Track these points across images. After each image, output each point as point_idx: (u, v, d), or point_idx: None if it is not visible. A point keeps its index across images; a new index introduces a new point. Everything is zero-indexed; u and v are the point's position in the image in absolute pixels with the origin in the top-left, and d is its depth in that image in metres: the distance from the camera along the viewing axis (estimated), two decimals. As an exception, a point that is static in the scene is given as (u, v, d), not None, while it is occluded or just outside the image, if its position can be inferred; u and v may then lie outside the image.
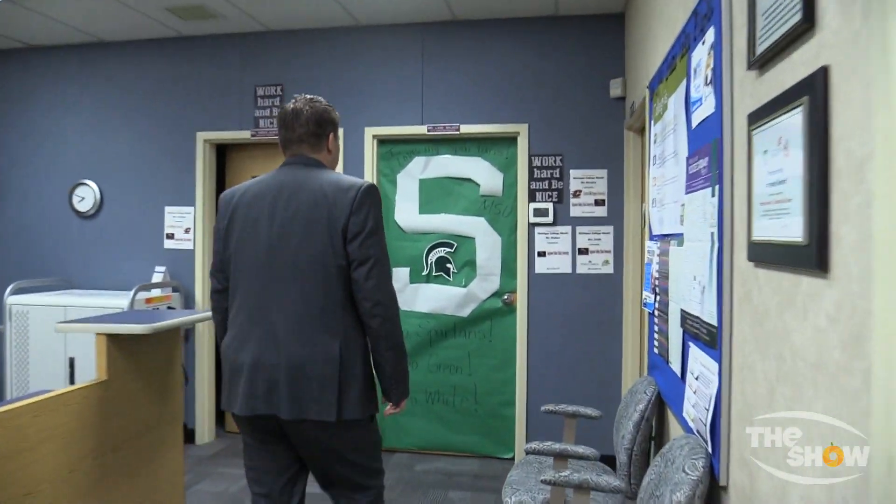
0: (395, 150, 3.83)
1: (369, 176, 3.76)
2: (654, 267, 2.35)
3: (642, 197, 3.44)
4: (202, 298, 3.93)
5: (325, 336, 1.61)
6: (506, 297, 3.67)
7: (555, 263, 3.60)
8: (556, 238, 3.60)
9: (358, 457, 1.75)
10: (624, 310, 3.51)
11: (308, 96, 1.80)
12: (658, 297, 2.28)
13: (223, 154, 4.20)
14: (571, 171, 3.59)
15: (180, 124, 4.00)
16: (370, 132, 3.77)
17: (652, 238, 2.45)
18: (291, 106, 1.78)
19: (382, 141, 3.83)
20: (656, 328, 2.31)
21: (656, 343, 2.30)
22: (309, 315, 1.62)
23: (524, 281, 3.61)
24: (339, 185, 1.67)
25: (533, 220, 3.59)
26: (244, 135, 3.93)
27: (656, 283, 2.31)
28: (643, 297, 2.61)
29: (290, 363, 1.60)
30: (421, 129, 3.71)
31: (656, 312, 2.30)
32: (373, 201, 1.68)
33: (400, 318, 1.71)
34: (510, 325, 3.69)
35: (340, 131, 3.50)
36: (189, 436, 3.93)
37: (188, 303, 3.96)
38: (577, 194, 3.59)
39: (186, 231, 3.99)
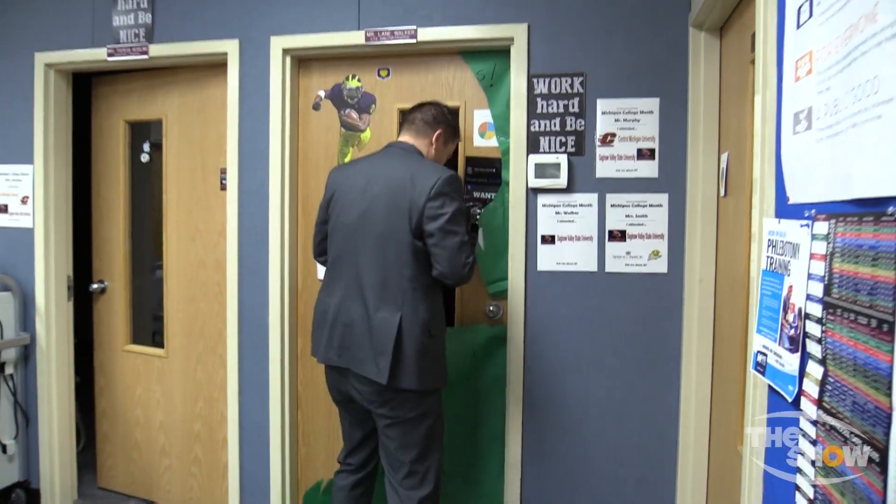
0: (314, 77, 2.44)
1: (277, 119, 2.38)
2: (796, 281, 0.95)
3: (719, 143, 2.00)
4: (47, 301, 2.64)
5: (391, 305, 1.73)
6: (490, 306, 2.28)
7: (570, 255, 2.19)
8: (572, 213, 2.18)
9: (401, 434, 1.78)
10: (685, 336, 2.10)
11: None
12: (809, 362, 0.88)
13: (87, 88, 2.86)
14: (599, 103, 2.16)
15: (9, 40, 2.67)
16: (279, 44, 2.38)
17: (787, 211, 1.04)
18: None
19: (302, 60, 2.44)
20: (802, 433, 0.91)
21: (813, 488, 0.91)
22: (379, 284, 1.75)
23: (519, 283, 2.22)
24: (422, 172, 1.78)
25: (534, 182, 2.18)
26: (98, 54, 2.57)
27: (804, 324, 0.91)
28: (754, 346, 1.19)
29: (361, 324, 1.76)
30: (356, 38, 2.31)
31: (809, 402, 0.90)
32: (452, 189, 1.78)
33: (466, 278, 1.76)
34: (496, 354, 2.30)
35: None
36: (33, 499, 2.69)
37: (26, 307, 2.67)
38: (608, 140, 2.15)
39: (23, 201, 2.68)
